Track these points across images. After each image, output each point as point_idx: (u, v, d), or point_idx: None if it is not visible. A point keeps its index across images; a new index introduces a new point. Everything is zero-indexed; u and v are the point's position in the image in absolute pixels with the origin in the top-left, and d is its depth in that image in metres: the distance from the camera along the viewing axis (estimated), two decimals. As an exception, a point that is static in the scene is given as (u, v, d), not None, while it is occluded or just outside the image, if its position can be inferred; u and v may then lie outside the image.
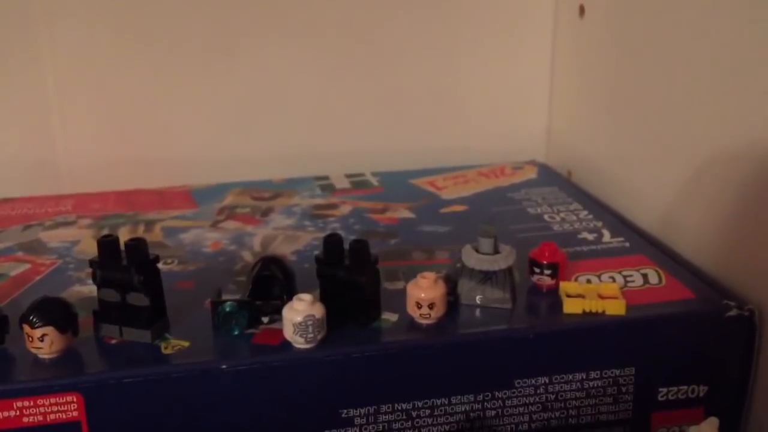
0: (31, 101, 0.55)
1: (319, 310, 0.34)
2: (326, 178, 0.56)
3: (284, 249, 0.44)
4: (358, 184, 0.55)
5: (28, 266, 0.42)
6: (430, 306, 0.35)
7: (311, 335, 0.34)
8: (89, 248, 0.44)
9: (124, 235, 0.43)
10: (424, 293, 0.35)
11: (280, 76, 0.58)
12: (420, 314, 0.36)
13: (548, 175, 0.56)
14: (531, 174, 0.56)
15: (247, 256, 0.43)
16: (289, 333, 0.34)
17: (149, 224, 0.48)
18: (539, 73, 0.61)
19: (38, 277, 0.41)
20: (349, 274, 0.36)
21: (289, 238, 0.46)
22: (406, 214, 0.49)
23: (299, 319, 0.34)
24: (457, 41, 0.59)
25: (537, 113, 0.61)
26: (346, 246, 0.36)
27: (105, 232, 0.46)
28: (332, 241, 0.36)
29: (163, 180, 0.55)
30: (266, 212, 0.50)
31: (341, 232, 0.45)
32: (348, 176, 0.56)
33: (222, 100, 0.58)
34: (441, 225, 0.47)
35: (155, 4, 0.55)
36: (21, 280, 0.41)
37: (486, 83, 0.60)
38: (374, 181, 0.55)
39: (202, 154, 0.58)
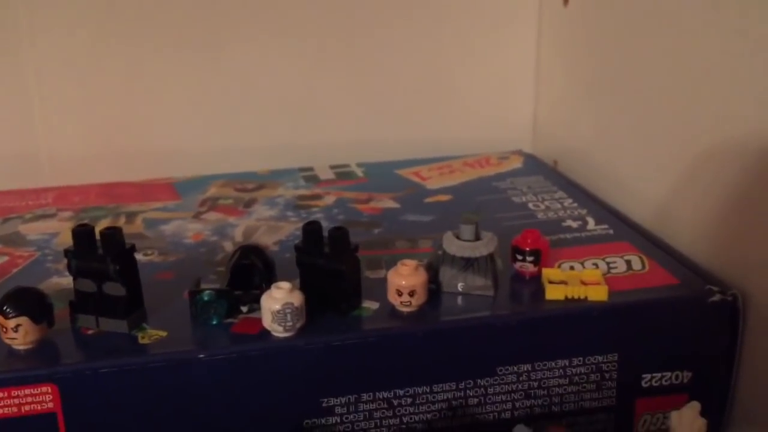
0: (12, 94, 0.55)
1: (297, 298, 0.33)
2: (310, 169, 0.55)
3: (266, 239, 0.44)
4: (343, 174, 0.54)
5: (6, 258, 0.42)
6: (411, 293, 0.35)
7: (290, 323, 0.33)
8: (69, 240, 0.43)
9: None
10: (404, 281, 0.35)
11: (264, 67, 0.57)
12: (401, 302, 0.35)
13: (534, 165, 0.55)
14: (516, 163, 0.55)
15: (229, 247, 0.43)
16: (267, 321, 0.34)
17: (130, 216, 0.47)
18: (524, 63, 0.60)
19: (16, 270, 0.41)
20: (329, 262, 0.35)
21: (271, 228, 0.46)
22: (390, 204, 0.49)
23: (277, 307, 0.33)
24: (442, 31, 0.59)
25: (523, 103, 0.61)
26: (326, 234, 0.36)
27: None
28: (311, 229, 0.36)
29: (146, 173, 0.55)
30: (249, 203, 0.49)
31: (324, 223, 0.45)
32: (332, 167, 0.56)
33: (206, 92, 0.57)
34: (425, 214, 0.47)
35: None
36: (-2, 272, 0.40)
37: (471, 73, 0.60)
38: (359, 171, 0.55)
39: (186, 146, 0.58)
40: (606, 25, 0.51)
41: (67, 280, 0.38)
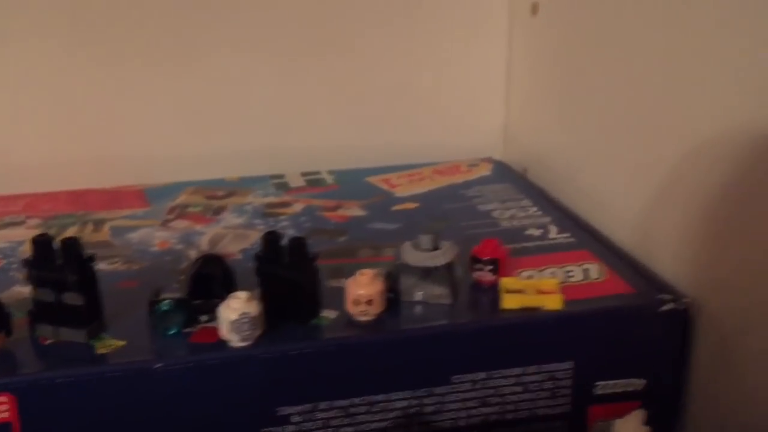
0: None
1: (254, 308, 0.34)
2: (281, 176, 0.56)
3: (232, 248, 0.44)
4: (313, 182, 0.55)
5: (-29, 267, 0.42)
6: (368, 302, 0.35)
7: (247, 333, 0.34)
8: (35, 248, 0.43)
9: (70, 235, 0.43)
10: (362, 290, 0.35)
11: (236, 74, 0.57)
12: (358, 311, 0.36)
13: (502, 172, 0.56)
14: (485, 171, 0.56)
15: (194, 255, 0.43)
16: (224, 331, 0.34)
17: (98, 224, 0.48)
18: (495, 71, 0.61)
19: (-20, 278, 0.41)
20: (288, 271, 0.36)
21: (238, 236, 0.46)
22: (358, 211, 0.49)
23: (234, 317, 0.33)
24: (414, 39, 0.59)
25: (494, 111, 0.62)
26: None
27: (53, 232, 0.46)
28: (270, 239, 0.36)
29: (118, 180, 0.55)
30: (218, 211, 0.50)
31: (291, 231, 0.45)
32: (303, 174, 0.56)
33: (179, 99, 0.57)
34: (391, 222, 0.47)
35: (109, 1, 0.54)
36: (-38, 280, 0.40)
37: (443, 81, 0.60)
38: (329, 179, 0.55)
39: (159, 153, 0.58)
40: (574, 34, 0.51)
41: (29, 289, 0.39)
